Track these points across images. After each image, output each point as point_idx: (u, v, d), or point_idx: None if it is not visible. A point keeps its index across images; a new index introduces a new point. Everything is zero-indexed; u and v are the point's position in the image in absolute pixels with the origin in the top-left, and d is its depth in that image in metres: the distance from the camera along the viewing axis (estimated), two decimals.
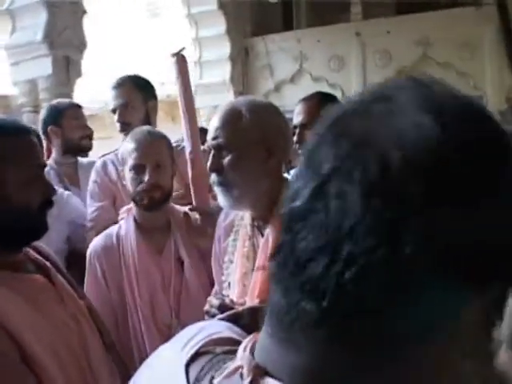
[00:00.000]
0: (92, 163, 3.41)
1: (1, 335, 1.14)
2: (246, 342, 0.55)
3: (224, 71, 8.28)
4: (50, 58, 5.40)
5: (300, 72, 8.29)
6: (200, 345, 0.58)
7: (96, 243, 2.13)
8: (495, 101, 7.32)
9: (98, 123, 10.15)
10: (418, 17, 7.53)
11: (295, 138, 2.73)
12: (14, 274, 1.27)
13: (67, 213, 2.74)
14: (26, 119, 5.46)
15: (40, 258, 1.36)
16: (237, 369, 0.51)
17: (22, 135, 1.32)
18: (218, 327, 0.64)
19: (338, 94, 7.92)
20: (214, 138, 1.61)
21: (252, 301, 1.53)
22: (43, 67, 5.48)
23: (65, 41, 5.47)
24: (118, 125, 2.96)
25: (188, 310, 2.02)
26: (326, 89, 7.97)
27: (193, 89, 9.02)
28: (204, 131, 4.14)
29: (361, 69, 7.92)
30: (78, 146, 3.22)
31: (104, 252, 2.07)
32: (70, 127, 3.17)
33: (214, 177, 1.61)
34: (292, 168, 2.58)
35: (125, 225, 2.15)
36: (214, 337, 0.59)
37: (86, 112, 10.62)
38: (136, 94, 2.96)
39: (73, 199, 2.91)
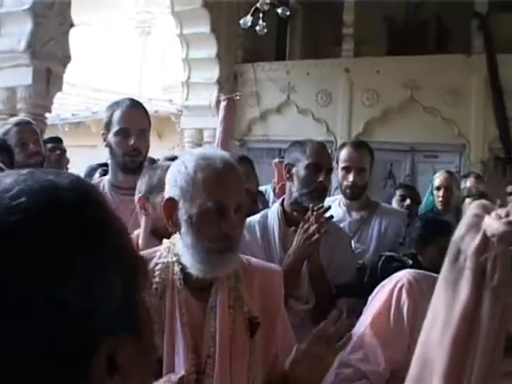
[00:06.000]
0: None
1: None
2: None
3: (211, 95, 8.22)
4: (30, 68, 5.30)
5: (287, 103, 8.26)
6: None
7: None
8: (478, 150, 7.33)
9: (83, 131, 10.14)
10: (408, 59, 7.55)
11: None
12: None
13: None
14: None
15: None
16: None
17: None
18: None
19: (322, 128, 7.91)
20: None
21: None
22: (23, 77, 5.37)
23: (48, 52, 5.37)
24: None
25: None
26: (311, 122, 7.97)
27: (178, 109, 8.89)
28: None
29: (347, 105, 7.90)
30: (24, 164, 3.08)
31: None
32: (13, 146, 3.05)
33: None
34: None
35: None
36: None
37: (73, 120, 10.42)
38: None
39: None
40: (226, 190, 1.47)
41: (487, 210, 0.71)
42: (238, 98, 2.11)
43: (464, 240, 0.71)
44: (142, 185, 2.08)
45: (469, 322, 0.69)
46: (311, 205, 2.35)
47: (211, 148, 1.75)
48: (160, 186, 2.02)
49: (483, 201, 0.74)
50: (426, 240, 2.51)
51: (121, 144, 2.48)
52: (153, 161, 3.79)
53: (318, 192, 2.48)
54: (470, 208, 0.73)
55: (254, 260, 1.70)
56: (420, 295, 1.54)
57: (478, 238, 0.69)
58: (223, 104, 2.23)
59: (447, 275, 0.72)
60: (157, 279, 1.55)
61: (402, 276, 1.61)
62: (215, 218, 1.45)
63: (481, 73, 7.23)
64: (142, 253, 1.67)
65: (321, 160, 2.50)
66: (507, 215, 0.68)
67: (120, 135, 2.49)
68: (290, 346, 1.61)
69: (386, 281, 1.71)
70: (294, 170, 2.52)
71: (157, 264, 1.58)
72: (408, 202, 3.97)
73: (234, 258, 1.51)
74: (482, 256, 0.69)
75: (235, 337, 1.52)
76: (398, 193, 4.11)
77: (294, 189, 2.51)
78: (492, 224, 0.68)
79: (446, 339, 0.70)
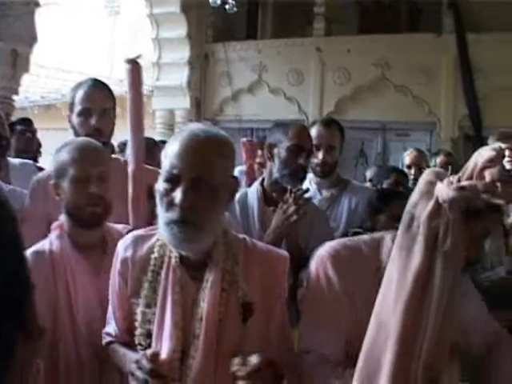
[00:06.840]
0: (24, 164, 3.25)
1: None
2: None
3: (182, 75, 8.15)
4: None
5: (258, 82, 8.24)
6: None
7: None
8: (448, 128, 7.41)
9: (53, 113, 9.98)
10: (380, 38, 7.56)
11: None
12: None
13: None
14: None
15: None
16: None
17: None
18: None
19: (294, 107, 7.92)
20: None
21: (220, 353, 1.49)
22: None
23: (13, 34, 5.27)
24: None
25: None
26: (282, 102, 7.96)
27: (150, 90, 8.77)
28: (154, 142, 3.94)
29: (319, 84, 7.90)
30: None
31: (34, 270, 1.75)
32: None
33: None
34: None
35: (58, 242, 1.97)
36: None
37: (43, 102, 10.22)
38: None
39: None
40: (182, 161, 1.45)
41: (439, 177, 0.72)
42: (139, 57, 1.94)
43: (417, 207, 0.72)
44: (52, 171, 2.03)
45: (421, 285, 0.70)
46: (289, 187, 2.37)
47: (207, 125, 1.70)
48: (63, 169, 1.98)
49: (436, 168, 0.75)
50: (377, 210, 2.56)
51: (83, 124, 2.44)
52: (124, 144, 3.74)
53: (298, 174, 2.51)
54: (424, 175, 0.75)
55: (260, 244, 1.70)
56: (344, 264, 1.56)
57: (430, 204, 0.70)
58: (127, 68, 2.00)
59: (401, 241, 0.73)
60: (155, 254, 1.58)
61: (323, 250, 1.64)
62: (170, 188, 1.45)
63: (451, 52, 7.29)
64: (145, 229, 1.69)
65: (302, 142, 2.52)
66: (458, 181, 0.69)
67: (82, 115, 2.44)
68: (283, 327, 1.66)
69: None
70: (275, 151, 2.53)
71: (158, 240, 1.60)
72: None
73: (193, 232, 1.46)
74: (434, 221, 0.70)
75: (226, 320, 1.51)
76: (393, 177, 3.79)
77: (274, 169, 2.53)
78: (443, 190, 0.69)
79: (400, 303, 0.71)
